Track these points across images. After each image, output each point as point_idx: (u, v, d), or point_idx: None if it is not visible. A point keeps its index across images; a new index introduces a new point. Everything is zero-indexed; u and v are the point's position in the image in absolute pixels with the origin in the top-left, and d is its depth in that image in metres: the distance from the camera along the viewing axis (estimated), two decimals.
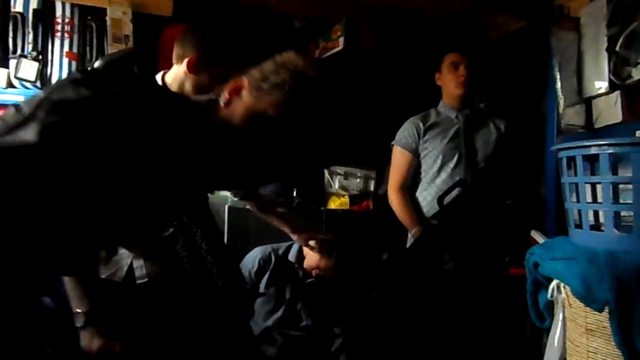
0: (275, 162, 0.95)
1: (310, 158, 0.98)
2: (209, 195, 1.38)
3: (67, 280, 1.24)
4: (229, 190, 1.04)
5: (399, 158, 2.51)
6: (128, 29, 2.39)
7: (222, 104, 0.94)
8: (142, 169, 0.83)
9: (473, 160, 2.42)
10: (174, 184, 0.93)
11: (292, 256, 2.31)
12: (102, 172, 0.78)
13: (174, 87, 1.59)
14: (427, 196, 2.43)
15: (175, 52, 1.63)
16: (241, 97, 0.93)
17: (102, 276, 1.52)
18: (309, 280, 2.27)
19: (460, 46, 2.51)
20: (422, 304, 2.32)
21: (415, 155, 2.47)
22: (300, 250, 2.31)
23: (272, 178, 1.02)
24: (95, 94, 0.80)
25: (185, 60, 1.58)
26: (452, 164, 2.40)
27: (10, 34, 2.26)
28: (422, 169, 2.47)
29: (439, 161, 2.42)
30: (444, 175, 2.40)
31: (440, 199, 2.28)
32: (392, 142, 2.54)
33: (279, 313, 2.24)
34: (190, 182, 0.97)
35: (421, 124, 2.47)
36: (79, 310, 1.25)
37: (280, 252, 2.32)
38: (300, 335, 2.25)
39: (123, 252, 1.53)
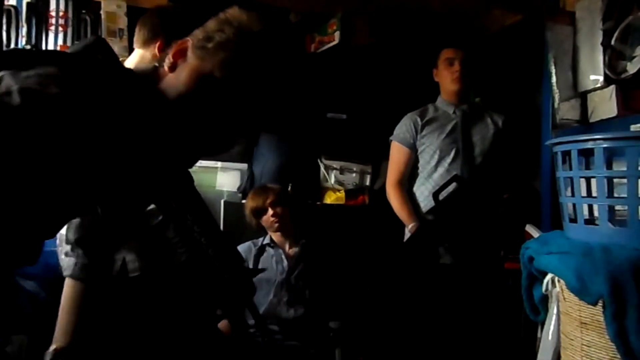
0: (226, 125, 0.89)
1: (262, 117, 0.93)
2: (195, 182, 1.34)
3: (61, 308, 1.23)
4: (191, 159, 0.96)
5: (396, 153, 2.51)
6: (123, 22, 2.39)
7: (166, 68, 0.90)
8: (92, 143, 0.79)
9: (470, 155, 2.42)
10: (126, 156, 0.87)
11: (266, 240, 2.43)
12: (55, 146, 0.75)
13: None
14: (424, 191, 2.44)
15: (142, 35, 1.55)
16: (186, 60, 0.89)
17: None
18: (294, 250, 2.38)
19: (455, 42, 2.51)
20: (418, 299, 2.33)
21: (413, 150, 2.48)
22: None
23: (227, 143, 0.95)
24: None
25: (157, 44, 1.50)
26: (449, 159, 2.41)
27: (4, 27, 2.25)
28: (420, 164, 2.48)
29: (436, 156, 2.42)
30: (441, 170, 2.41)
31: (435, 195, 2.28)
32: (390, 138, 2.55)
33: (272, 295, 2.28)
34: (146, 154, 0.91)
35: (419, 119, 2.47)
36: (52, 347, 1.22)
37: (259, 242, 2.43)
38: (295, 326, 2.27)
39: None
